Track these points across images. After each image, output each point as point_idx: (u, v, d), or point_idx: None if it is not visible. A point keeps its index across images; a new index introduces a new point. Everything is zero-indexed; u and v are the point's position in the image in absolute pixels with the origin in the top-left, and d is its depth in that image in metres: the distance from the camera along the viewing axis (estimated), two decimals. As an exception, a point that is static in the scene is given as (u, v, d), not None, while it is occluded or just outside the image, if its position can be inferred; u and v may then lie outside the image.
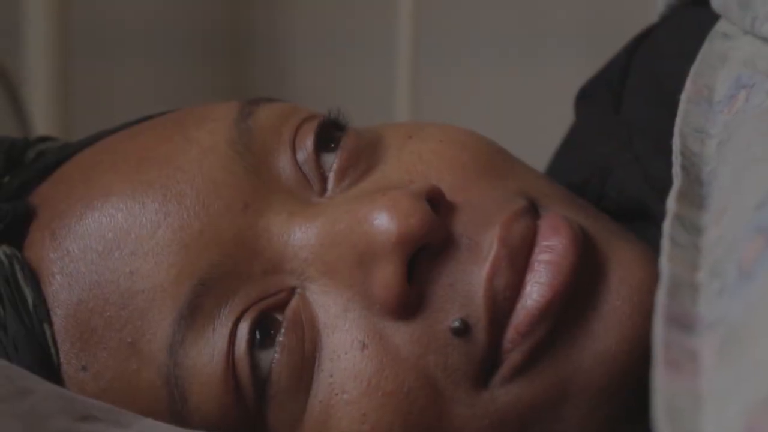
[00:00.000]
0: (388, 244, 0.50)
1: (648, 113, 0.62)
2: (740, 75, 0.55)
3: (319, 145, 0.55)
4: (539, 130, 0.92)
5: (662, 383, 0.38)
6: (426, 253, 0.51)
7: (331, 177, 0.54)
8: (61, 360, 0.52)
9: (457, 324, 0.50)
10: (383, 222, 0.50)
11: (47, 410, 0.47)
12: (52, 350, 0.52)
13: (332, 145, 0.55)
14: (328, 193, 0.54)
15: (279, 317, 0.51)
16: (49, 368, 0.52)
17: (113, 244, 0.52)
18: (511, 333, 0.50)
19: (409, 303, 0.50)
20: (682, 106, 0.54)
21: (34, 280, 0.53)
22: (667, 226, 0.46)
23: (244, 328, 0.50)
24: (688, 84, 0.56)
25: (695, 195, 0.49)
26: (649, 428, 0.43)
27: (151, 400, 0.51)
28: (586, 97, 0.70)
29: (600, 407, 0.51)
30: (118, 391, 0.51)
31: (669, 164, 0.52)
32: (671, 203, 0.47)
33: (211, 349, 0.50)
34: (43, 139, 0.62)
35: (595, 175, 0.62)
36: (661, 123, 0.56)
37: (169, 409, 0.51)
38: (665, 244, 0.45)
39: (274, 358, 0.50)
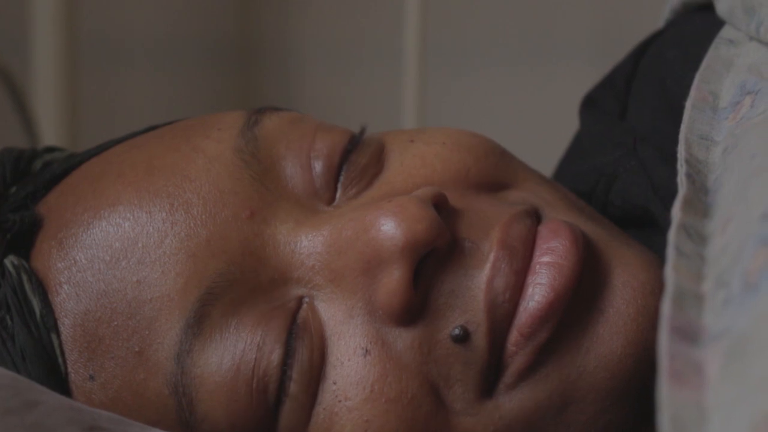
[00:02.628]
0: (395, 250, 0.50)
1: (653, 120, 0.62)
2: (745, 81, 0.54)
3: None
4: (546, 136, 0.92)
5: (667, 395, 0.38)
6: (432, 258, 0.51)
7: (340, 187, 0.54)
8: (69, 370, 0.52)
9: (456, 331, 0.50)
10: (390, 228, 0.50)
11: (55, 422, 0.47)
12: (60, 360, 0.52)
13: None
14: (336, 202, 0.54)
15: (290, 327, 0.51)
16: (56, 378, 0.52)
17: (120, 253, 0.52)
18: (514, 335, 0.50)
19: (413, 309, 0.50)
20: (686, 113, 0.54)
21: (42, 290, 0.53)
22: (672, 235, 0.46)
23: (259, 338, 0.50)
24: (693, 90, 0.55)
25: (700, 203, 0.48)
26: (654, 432, 0.43)
27: (158, 410, 0.51)
28: (591, 104, 0.70)
29: (605, 411, 0.51)
30: (125, 400, 0.51)
31: (674, 172, 0.51)
32: (676, 212, 0.47)
33: (219, 358, 0.50)
34: (51, 149, 0.62)
35: (601, 182, 0.62)
36: (666, 130, 0.56)
37: (177, 418, 0.51)
38: (670, 253, 0.45)
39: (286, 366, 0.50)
